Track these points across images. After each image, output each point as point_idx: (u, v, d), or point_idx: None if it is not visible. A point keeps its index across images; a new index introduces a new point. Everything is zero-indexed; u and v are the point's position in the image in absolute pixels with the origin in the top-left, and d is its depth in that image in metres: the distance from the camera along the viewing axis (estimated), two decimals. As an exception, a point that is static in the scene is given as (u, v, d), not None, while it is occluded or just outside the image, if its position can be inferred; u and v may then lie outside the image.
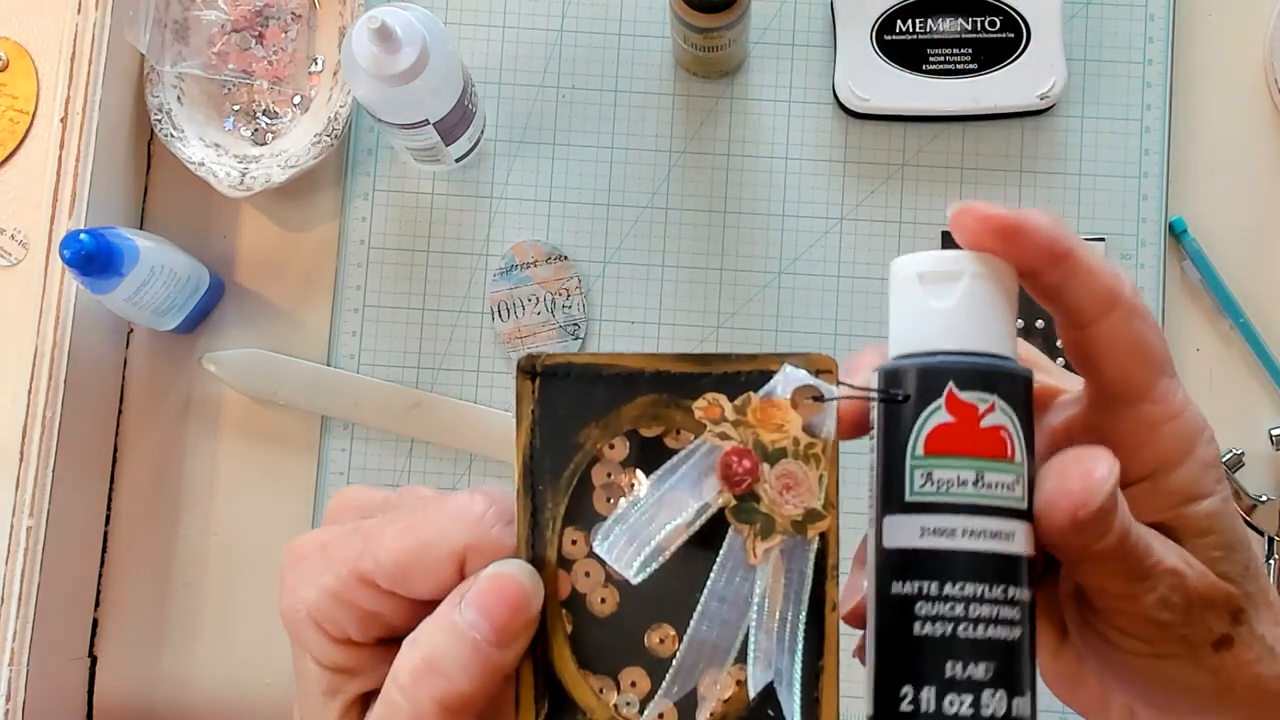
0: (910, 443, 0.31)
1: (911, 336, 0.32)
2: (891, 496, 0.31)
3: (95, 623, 0.73)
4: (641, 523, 0.32)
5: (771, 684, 0.32)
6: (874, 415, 0.32)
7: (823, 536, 0.32)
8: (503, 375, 0.75)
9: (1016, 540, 0.31)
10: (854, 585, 0.34)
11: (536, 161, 0.76)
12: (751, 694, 0.32)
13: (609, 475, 0.33)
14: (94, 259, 0.62)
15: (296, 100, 0.76)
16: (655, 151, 0.76)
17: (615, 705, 0.32)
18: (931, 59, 0.74)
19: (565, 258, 0.75)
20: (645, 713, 0.32)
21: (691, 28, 0.69)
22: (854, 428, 0.33)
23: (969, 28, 0.74)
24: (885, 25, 0.74)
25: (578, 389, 0.33)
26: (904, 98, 0.74)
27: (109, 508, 0.74)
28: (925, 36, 0.74)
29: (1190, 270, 0.75)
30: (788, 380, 0.32)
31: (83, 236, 0.62)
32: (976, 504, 0.30)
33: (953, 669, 0.30)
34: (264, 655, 0.73)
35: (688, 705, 0.32)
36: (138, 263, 0.65)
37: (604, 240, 0.76)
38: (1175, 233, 0.75)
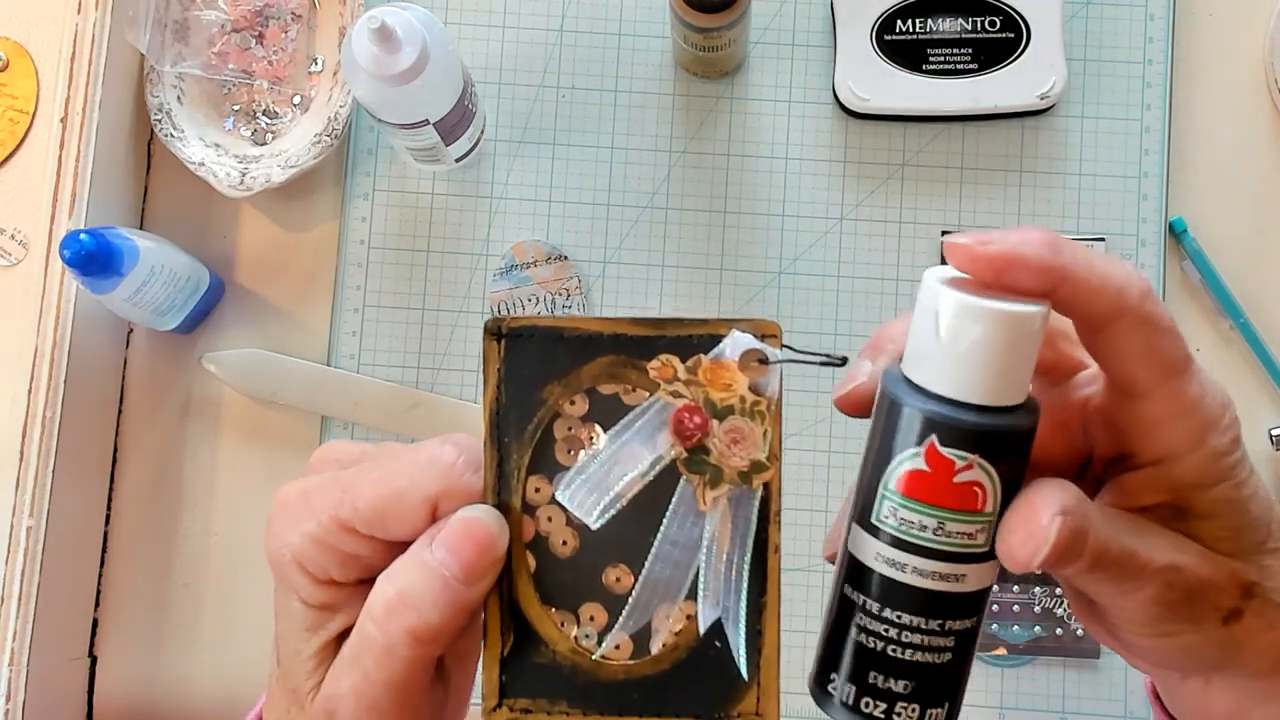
0: (886, 474, 0.33)
1: (918, 360, 0.33)
2: (861, 507, 0.34)
3: (95, 623, 0.73)
4: (600, 473, 0.35)
5: (719, 618, 0.35)
6: (870, 426, 0.34)
7: (766, 486, 0.35)
8: (503, 375, 0.75)
9: (966, 582, 0.33)
10: (836, 532, 0.37)
11: (536, 161, 0.76)
12: (701, 628, 0.35)
13: (569, 429, 0.36)
14: (94, 259, 0.62)
15: (296, 100, 0.76)
16: (655, 151, 0.76)
17: (575, 637, 0.36)
18: (931, 59, 0.74)
19: (565, 258, 0.75)
20: (603, 644, 0.36)
21: (691, 28, 0.69)
22: (864, 409, 0.35)
23: (969, 28, 0.74)
24: (885, 25, 0.74)
25: (541, 349, 0.36)
26: (904, 98, 0.74)
27: (109, 508, 0.74)
28: (925, 36, 0.74)
29: (1190, 270, 0.75)
30: (735, 344, 0.35)
31: (83, 236, 0.62)
32: (932, 548, 0.33)
33: (874, 678, 0.33)
34: (264, 655, 0.73)
35: (642, 637, 0.36)
36: (138, 263, 0.65)
37: (604, 240, 0.76)
38: (1175, 233, 0.75)
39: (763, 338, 0.35)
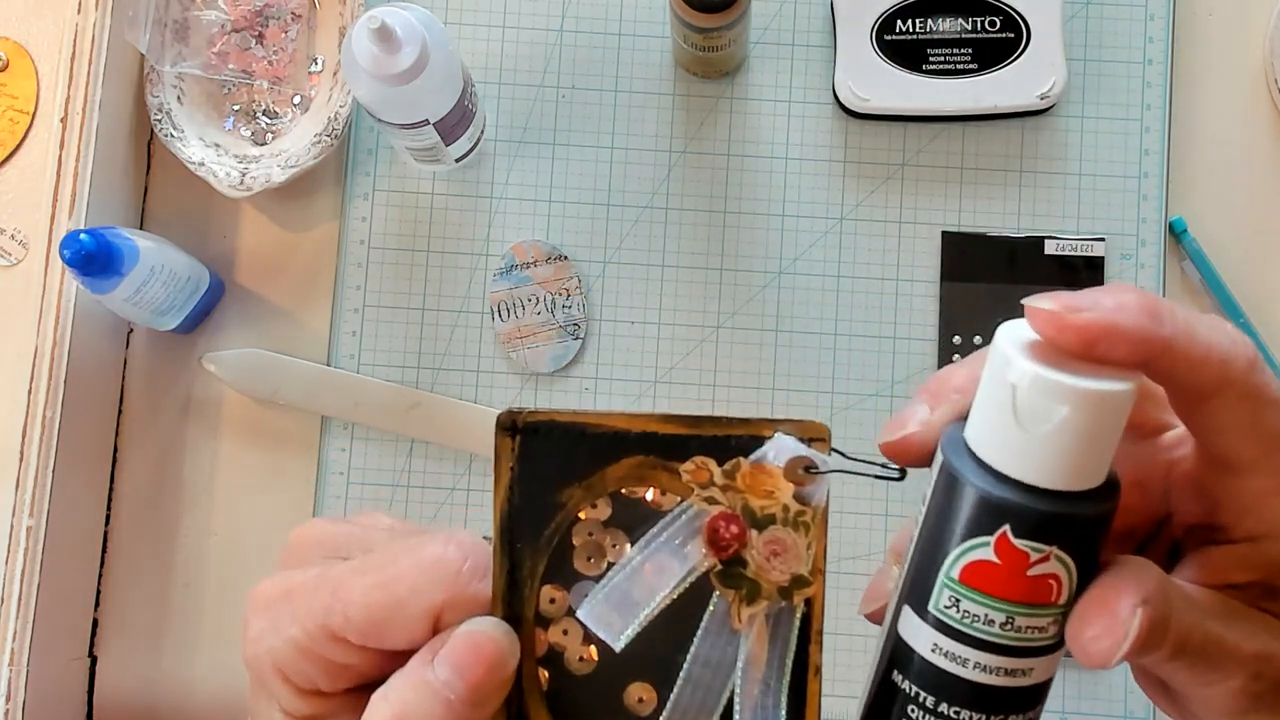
0: (948, 560, 0.30)
1: (987, 434, 0.30)
2: (915, 591, 0.31)
3: (95, 623, 0.73)
4: (625, 588, 0.32)
5: None
6: (933, 473, 0.31)
7: (808, 603, 0.32)
8: (503, 375, 0.75)
9: (1033, 675, 0.30)
10: (878, 589, 0.34)
11: (536, 161, 0.76)
12: None
13: (590, 534, 0.33)
14: (94, 259, 0.62)
15: (296, 100, 0.76)
16: (655, 151, 0.76)
17: None
18: (931, 59, 0.74)
19: (565, 258, 0.75)
20: None
21: (691, 28, 0.69)
22: (914, 459, 0.32)
23: (969, 28, 0.74)
24: (885, 25, 0.74)
25: (560, 448, 0.32)
26: (904, 98, 0.74)
27: (109, 508, 0.74)
28: (925, 36, 0.74)
29: (1190, 270, 0.75)
30: (780, 449, 0.32)
31: (83, 236, 0.62)
32: (998, 644, 0.30)
33: None
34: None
35: None
36: (138, 263, 0.65)
37: (604, 240, 0.76)
38: (1175, 233, 0.75)
39: (809, 441, 0.32)
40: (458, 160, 0.74)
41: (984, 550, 0.29)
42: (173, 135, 0.73)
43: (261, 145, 0.75)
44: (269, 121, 0.76)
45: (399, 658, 0.32)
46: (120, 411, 0.75)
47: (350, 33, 0.64)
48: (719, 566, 0.32)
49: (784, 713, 0.32)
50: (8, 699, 0.64)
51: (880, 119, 0.76)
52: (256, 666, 0.33)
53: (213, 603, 0.74)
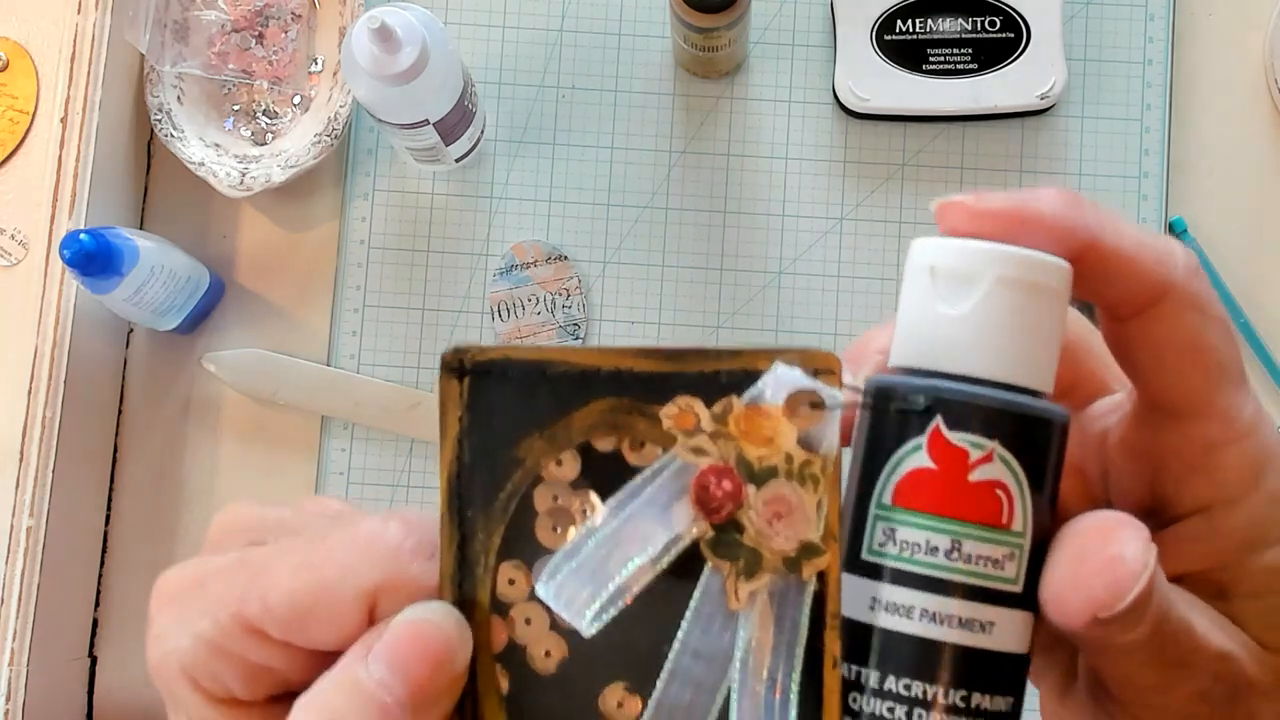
0: (879, 485, 0.25)
1: (911, 344, 0.26)
2: (851, 548, 0.26)
3: (95, 623, 0.73)
4: (596, 559, 0.26)
5: None
6: (854, 436, 0.27)
7: (821, 576, 0.26)
8: (503, 375, 0.75)
9: (996, 633, 0.25)
10: None
11: (536, 161, 0.76)
12: None
13: (555, 498, 0.27)
14: (94, 259, 0.62)
15: (296, 100, 0.76)
16: (655, 151, 0.76)
17: None
18: (931, 59, 0.74)
19: (565, 258, 0.75)
20: None
21: (691, 28, 0.69)
22: (846, 430, 0.28)
23: (969, 28, 0.74)
24: (885, 25, 0.74)
25: (517, 391, 0.27)
26: (904, 98, 0.74)
27: (109, 508, 0.74)
28: (925, 36, 0.74)
29: (1190, 270, 0.75)
30: (779, 383, 0.26)
31: (83, 236, 0.62)
32: (946, 580, 0.25)
33: None
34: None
35: None
36: (138, 263, 0.65)
37: (604, 240, 0.76)
38: (1175, 233, 0.75)
39: (815, 373, 0.26)
40: (458, 160, 0.74)
41: (917, 455, 0.25)
42: (173, 135, 0.73)
43: (261, 145, 0.75)
44: (269, 121, 0.76)
45: (329, 659, 0.26)
46: (120, 411, 0.75)
47: (350, 33, 0.64)
48: (710, 533, 0.26)
49: (794, 713, 0.26)
50: (8, 699, 0.64)
51: (880, 119, 0.76)
52: (161, 671, 0.28)
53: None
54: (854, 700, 0.25)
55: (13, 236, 0.70)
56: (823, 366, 0.26)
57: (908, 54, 0.74)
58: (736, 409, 0.26)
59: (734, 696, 0.26)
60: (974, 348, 0.25)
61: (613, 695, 0.26)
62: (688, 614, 0.26)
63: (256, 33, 0.76)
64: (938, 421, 0.25)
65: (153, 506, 0.74)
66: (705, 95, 0.77)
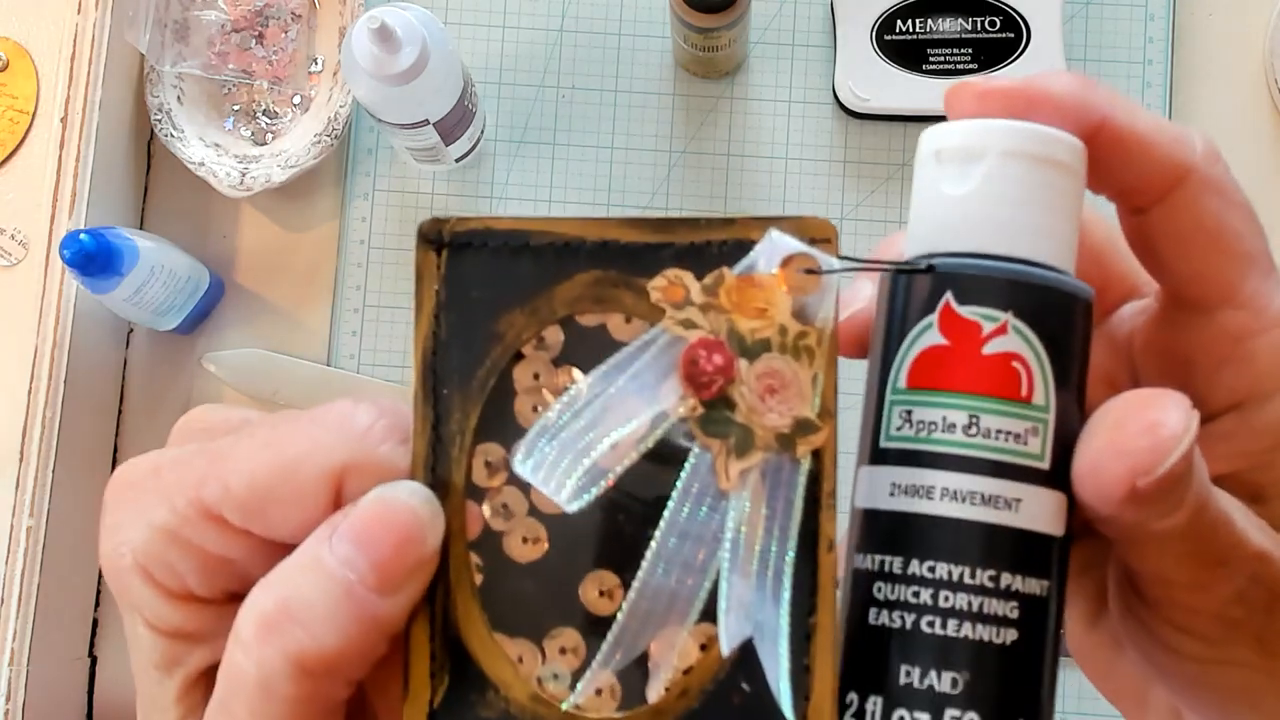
0: (894, 370, 0.24)
1: (921, 232, 0.25)
2: (871, 441, 0.25)
3: (95, 623, 0.73)
4: (578, 435, 0.25)
5: (748, 650, 0.24)
6: (871, 335, 0.26)
7: (816, 455, 0.25)
8: (503, 375, 0.75)
9: (1024, 511, 0.23)
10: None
11: (536, 161, 0.76)
12: (724, 653, 0.24)
13: (536, 376, 0.25)
14: (94, 259, 0.62)
15: (296, 100, 0.76)
16: (655, 151, 0.76)
17: (539, 678, 0.25)
18: (931, 59, 0.74)
19: (565, 258, 0.75)
20: (578, 688, 0.25)
21: (691, 28, 0.69)
22: (853, 345, 0.27)
23: (969, 28, 0.74)
24: (885, 25, 0.74)
25: (497, 264, 0.25)
26: (904, 98, 0.74)
27: (109, 508, 0.74)
28: (925, 36, 0.74)
29: (1190, 270, 0.75)
30: (774, 250, 0.25)
31: (83, 236, 0.62)
32: (965, 456, 0.23)
33: (908, 675, 0.23)
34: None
35: (636, 678, 0.25)
36: (138, 263, 0.65)
37: (604, 240, 0.75)
38: (1175, 233, 0.75)
39: (812, 241, 0.25)
40: (458, 160, 0.74)
41: (929, 334, 0.24)
42: (173, 135, 0.73)
43: (261, 145, 0.75)
44: (269, 121, 0.76)
45: (291, 553, 0.25)
46: (120, 411, 0.75)
47: (350, 33, 0.64)
48: (700, 410, 0.25)
49: (788, 596, 0.24)
50: (8, 699, 0.64)
51: (880, 119, 0.76)
52: (114, 567, 0.26)
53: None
54: (879, 590, 0.24)
55: (13, 236, 0.70)
56: (819, 234, 0.25)
57: (908, 54, 0.74)
58: (728, 280, 0.25)
59: (724, 579, 0.24)
60: (980, 223, 0.24)
61: (594, 584, 0.25)
62: (674, 494, 0.25)
63: (256, 33, 0.76)
64: (948, 297, 0.24)
65: (153, 506, 0.74)
66: (705, 95, 0.77)
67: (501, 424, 0.25)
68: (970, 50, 0.74)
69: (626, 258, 0.25)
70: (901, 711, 0.23)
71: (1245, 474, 0.25)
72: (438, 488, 0.25)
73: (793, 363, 0.25)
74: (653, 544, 0.25)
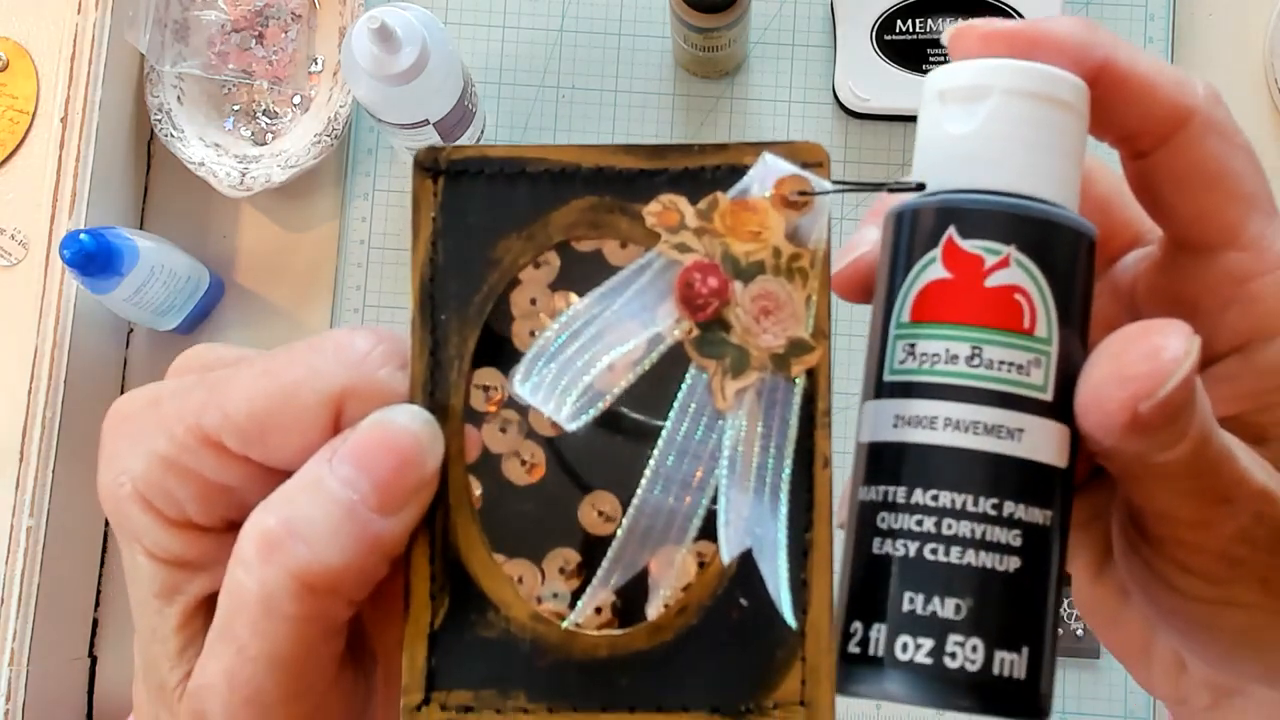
0: (898, 306, 0.25)
1: (925, 170, 0.26)
2: (874, 377, 0.25)
3: (95, 623, 0.73)
4: (575, 356, 0.25)
5: (745, 567, 0.25)
6: (876, 274, 0.26)
7: (810, 374, 0.25)
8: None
9: (1026, 441, 0.23)
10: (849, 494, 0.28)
11: (536, 161, 0.76)
12: (725, 562, 0.25)
13: (533, 302, 0.26)
14: (94, 259, 0.62)
15: (296, 100, 0.76)
16: (655, 151, 0.76)
17: (539, 598, 0.25)
18: (931, 59, 0.74)
19: (565, 257, 0.75)
20: (578, 606, 0.25)
21: (691, 28, 0.69)
22: (858, 288, 0.27)
23: (969, 28, 0.74)
24: (885, 25, 0.74)
25: (494, 190, 0.26)
26: (904, 98, 0.74)
27: (109, 508, 0.74)
28: (925, 36, 0.74)
29: (1190, 270, 0.75)
30: (767, 173, 0.25)
31: (83, 236, 0.62)
32: (969, 386, 0.24)
33: (912, 602, 0.23)
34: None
35: (635, 596, 0.25)
36: (138, 263, 0.65)
37: (604, 240, 0.76)
38: (1175, 233, 0.75)
39: (804, 165, 0.25)
40: (458, 160, 0.74)
41: (932, 268, 0.24)
42: (173, 135, 0.73)
43: (261, 145, 0.75)
44: (269, 121, 0.76)
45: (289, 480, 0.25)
46: (120, 411, 0.75)
47: (350, 33, 0.64)
48: (696, 331, 0.25)
49: (785, 511, 0.25)
50: (8, 699, 0.64)
51: (880, 119, 0.76)
52: (113, 497, 0.26)
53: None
54: (882, 520, 0.24)
55: (13, 236, 0.70)
56: (811, 159, 0.25)
57: (908, 54, 0.74)
58: (722, 204, 0.25)
59: (722, 496, 0.25)
60: (984, 160, 0.25)
61: (592, 505, 0.25)
62: (671, 414, 0.25)
63: (256, 33, 0.76)
64: (950, 232, 0.24)
65: (153, 506, 0.74)
66: (705, 95, 0.77)
67: (499, 348, 0.25)
68: (970, 50, 0.74)
69: (622, 184, 0.26)
70: (905, 638, 0.23)
71: (1249, 415, 0.25)
72: (436, 411, 0.25)
73: (786, 284, 0.25)
74: (651, 463, 0.25)
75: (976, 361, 0.24)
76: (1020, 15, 0.74)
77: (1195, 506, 0.24)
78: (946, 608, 0.23)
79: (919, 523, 0.23)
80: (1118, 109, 0.25)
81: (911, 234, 0.25)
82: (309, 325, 0.75)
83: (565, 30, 0.77)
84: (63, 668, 0.70)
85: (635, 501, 0.25)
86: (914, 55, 0.74)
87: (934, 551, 0.23)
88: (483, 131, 0.75)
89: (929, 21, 0.74)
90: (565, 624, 0.25)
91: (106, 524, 0.74)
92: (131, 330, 0.75)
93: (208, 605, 0.26)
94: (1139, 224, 0.28)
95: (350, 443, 0.24)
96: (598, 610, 0.25)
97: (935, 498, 0.23)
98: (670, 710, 0.25)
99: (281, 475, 0.25)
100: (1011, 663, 0.23)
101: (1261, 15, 0.77)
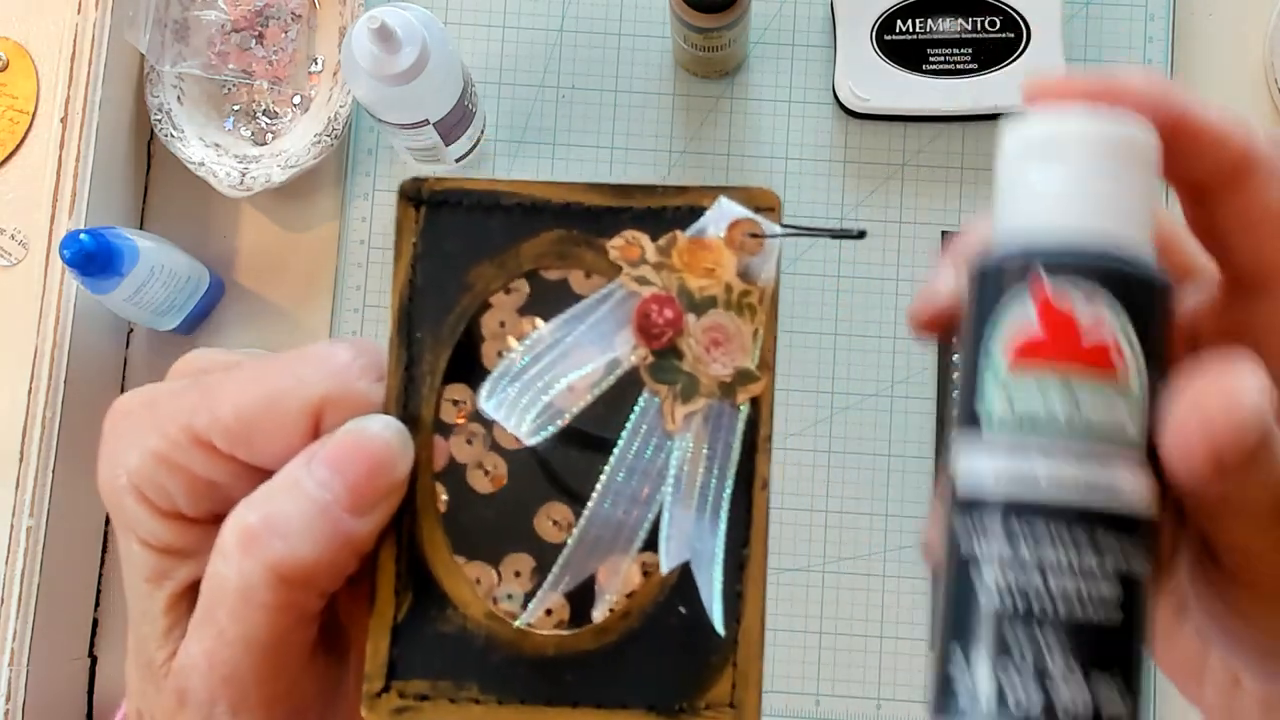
0: (991, 357, 0.25)
1: (1009, 225, 0.26)
2: (968, 425, 0.26)
3: (95, 623, 0.73)
4: (538, 376, 0.27)
5: (685, 577, 0.27)
6: (962, 322, 0.27)
7: (754, 403, 0.27)
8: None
9: (1124, 495, 0.24)
10: (937, 531, 0.29)
11: (536, 161, 0.76)
12: (664, 573, 0.27)
13: (502, 324, 0.28)
14: (94, 259, 0.62)
15: (296, 100, 0.76)
16: (655, 151, 0.76)
17: (494, 598, 0.27)
18: (931, 59, 0.74)
19: (565, 258, 0.75)
20: (529, 607, 0.27)
21: (691, 28, 0.69)
22: (944, 326, 0.28)
23: (969, 28, 0.74)
24: (885, 25, 0.74)
25: (470, 220, 0.28)
26: (904, 98, 0.74)
27: (109, 508, 0.74)
28: (925, 36, 0.74)
29: (1190, 270, 0.75)
30: (722, 215, 0.28)
31: (83, 236, 0.62)
32: (1069, 443, 0.24)
33: (1022, 656, 0.24)
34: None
35: (582, 600, 0.27)
36: (138, 263, 0.65)
37: (604, 240, 0.76)
38: (1175, 233, 0.75)
39: (758, 209, 0.28)
40: (458, 160, 0.74)
41: (1023, 310, 0.25)
42: (173, 135, 0.73)
43: (261, 145, 0.75)
44: (269, 121, 0.76)
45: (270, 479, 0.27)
46: (120, 411, 0.75)
47: (350, 33, 0.64)
48: (651, 358, 0.27)
49: (724, 529, 0.27)
50: (8, 699, 0.64)
51: (880, 119, 0.76)
52: (111, 489, 0.29)
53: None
54: (985, 574, 0.25)
55: (13, 236, 0.70)
56: (764, 203, 0.28)
57: (908, 54, 0.74)
58: (680, 242, 0.28)
59: (666, 511, 0.27)
60: (1073, 213, 0.25)
61: (547, 514, 0.28)
62: (624, 434, 0.27)
63: (256, 33, 0.76)
64: (1044, 285, 0.25)
65: (153, 506, 0.74)
66: (705, 95, 0.77)
67: (469, 366, 0.28)
68: (970, 50, 0.74)
69: (589, 219, 0.28)
70: (1018, 693, 0.24)
71: None
72: (408, 422, 0.28)
73: (736, 318, 0.28)
74: (602, 478, 0.27)
75: (1076, 417, 0.24)
76: (1021, 15, 0.74)
77: (1274, 540, 0.25)
78: (1056, 662, 0.24)
79: (1026, 579, 0.24)
80: (1190, 157, 0.26)
81: (998, 287, 0.25)
82: (309, 325, 0.75)
83: (565, 30, 0.77)
84: (63, 668, 0.70)
85: (586, 513, 0.27)
86: (914, 55, 0.74)
87: (1042, 608, 0.24)
88: (483, 131, 0.75)
89: (929, 21, 0.74)
90: (517, 623, 0.27)
91: (106, 524, 0.74)
92: (131, 330, 0.75)
93: (193, 590, 0.28)
94: (1193, 263, 0.29)
95: (327, 447, 0.26)
96: (548, 612, 0.27)
97: (1041, 555, 0.24)
98: (610, 707, 0.27)
99: (264, 474, 0.27)
100: (1114, 704, 0.24)
101: (1261, 15, 0.77)
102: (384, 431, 0.27)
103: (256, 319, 0.75)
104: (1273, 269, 0.26)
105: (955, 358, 0.28)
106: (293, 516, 0.26)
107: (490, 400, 0.28)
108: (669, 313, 0.28)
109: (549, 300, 0.28)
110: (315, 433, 0.27)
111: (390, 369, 0.28)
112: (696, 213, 0.28)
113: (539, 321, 0.28)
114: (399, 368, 0.28)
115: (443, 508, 0.28)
